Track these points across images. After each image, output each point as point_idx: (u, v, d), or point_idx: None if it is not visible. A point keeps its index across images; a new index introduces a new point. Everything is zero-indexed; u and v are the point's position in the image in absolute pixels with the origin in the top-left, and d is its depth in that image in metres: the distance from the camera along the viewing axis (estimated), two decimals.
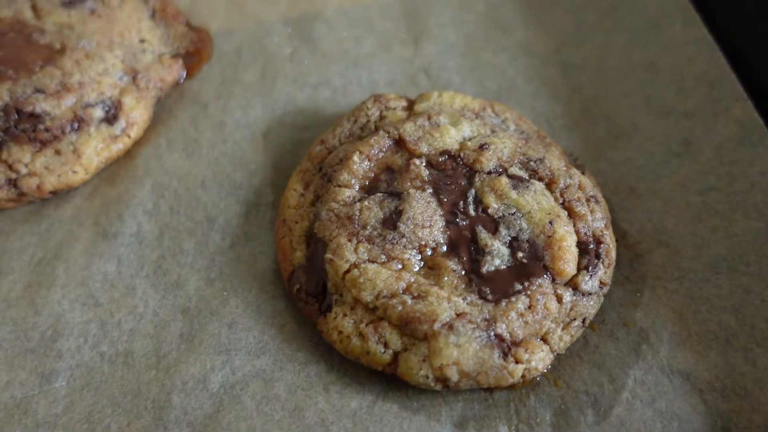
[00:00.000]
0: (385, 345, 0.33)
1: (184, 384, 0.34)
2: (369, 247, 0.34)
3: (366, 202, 0.36)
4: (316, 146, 0.41)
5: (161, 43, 0.48)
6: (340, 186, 0.37)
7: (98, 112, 0.42)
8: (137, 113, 0.44)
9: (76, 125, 0.42)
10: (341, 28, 0.49)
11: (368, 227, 0.35)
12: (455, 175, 0.37)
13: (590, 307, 0.34)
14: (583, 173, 0.38)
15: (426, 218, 0.35)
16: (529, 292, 0.33)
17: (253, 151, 0.43)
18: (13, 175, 0.41)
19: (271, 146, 0.43)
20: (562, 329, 0.33)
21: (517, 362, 0.32)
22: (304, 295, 0.36)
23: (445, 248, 0.34)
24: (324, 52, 0.47)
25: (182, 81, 0.47)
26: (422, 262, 0.34)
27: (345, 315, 0.34)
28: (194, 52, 0.48)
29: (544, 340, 0.33)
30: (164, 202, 0.41)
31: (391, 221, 0.35)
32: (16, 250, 0.40)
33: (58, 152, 0.41)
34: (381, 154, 0.38)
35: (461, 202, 0.36)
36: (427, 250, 0.34)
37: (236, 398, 0.34)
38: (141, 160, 0.43)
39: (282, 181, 0.42)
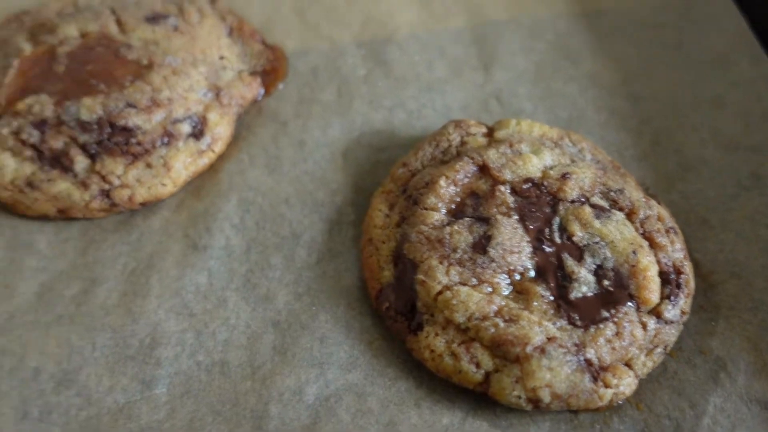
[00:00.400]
0: (477, 365, 0.35)
1: (280, 395, 0.36)
2: (460, 270, 0.36)
3: (455, 226, 0.37)
4: (398, 168, 0.42)
5: (239, 60, 0.49)
6: (426, 209, 0.39)
7: (186, 128, 0.44)
8: (221, 129, 0.45)
9: (165, 140, 0.43)
10: (413, 52, 0.50)
11: (458, 251, 0.37)
12: (539, 203, 0.38)
13: (672, 334, 0.36)
14: (658, 204, 0.40)
15: (514, 244, 0.37)
16: (616, 320, 0.35)
17: (333, 171, 0.45)
18: (107, 187, 0.42)
19: (350, 166, 0.45)
20: (646, 355, 0.35)
21: (606, 386, 0.34)
22: (393, 313, 0.37)
23: (532, 273, 0.36)
24: (397, 76, 0.49)
25: (260, 98, 0.48)
26: (511, 287, 0.36)
27: (437, 334, 0.36)
28: (271, 71, 0.50)
29: (628, 365, 0.35)
30: (250, 217, 0.43)
31: (481, 246, 0.37)
32: (109, 259, 0.41)
33: (149, 165, 0.43)
34: (466, 180, 0.40)
35: (546, 230, 0.37)
36: (516, 275, 0.36)
37: (332, 411, 0.35)
38: (225, 175, 0.44)
39: (362, 200, 0.44)
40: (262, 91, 0.49)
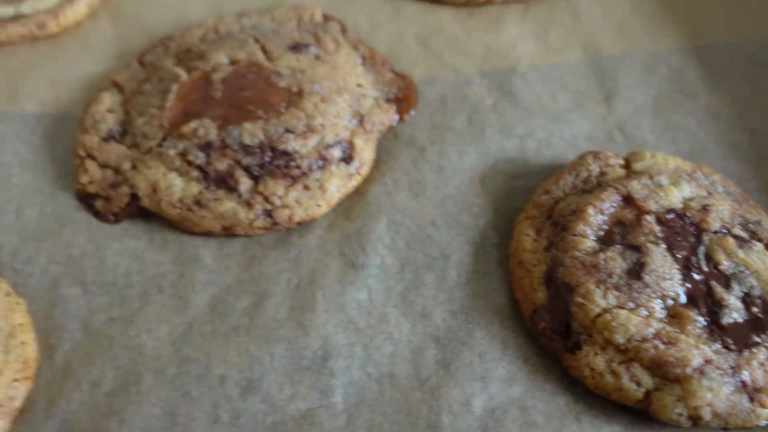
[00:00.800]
0: (638, 383, 0.38)
1: (449, 406, 0.39)
2: (617, 294, 0.39)
3: (609, 253, 0.40)
4: (540, 195, 0.45)
5: (373, 88, 0.53)
6: (576, 236, 0.42)
7: (337, 152, 0.47)
8: (366, 154, 0.48)
9: (320, 163, 0.46)
10: (536, 84, 0.54)
11: (614, 276, 0.40)
12: (684, 233, 0.41)
13: None
14: None
15: (666, 271, 0.40)
16: (767, 344, 0.38)
17: (474, 195, 0.48)
18: (269, 207, 0.45)
19: (488, 192, 0.48)
20: None
21: (762, 407, 0.36)
22: (549, 332, 0.40)
23: (683, 299, 0.39)
24: (524, 105, 0.52)
25: (395, 124, 0.51)
26: (665, 311, 0.39)
27: (596, 354, 0.39)
28: (402, 98, 0.53)
29: None
30: (400, 238, 0.46)
31: (635, 272, 0.40)
32: (272, 275, 0.44)
33: (306, 187, 0.46)
34: (612, 209, 0.43)
35: (693, 258, 0.40)
36: (668, 300, 0.39)
37: (499, 422, 0.38)
38: (372, 198, 0.47)
39: (502, 224, 0.47)
40: (396, 117, 0.52)
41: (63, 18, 0.57)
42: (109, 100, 0.50)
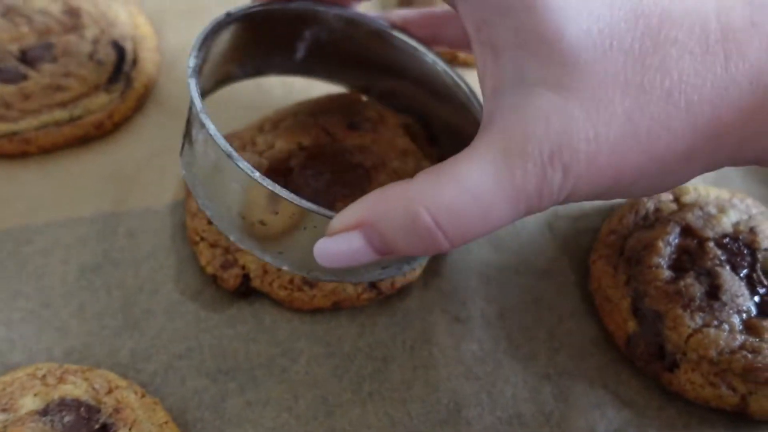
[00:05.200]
0: (734, 390, 0.44)
1: None
2: (702, 315, 0.45)
3: (687, 280, 0.47)
4: (609, 236, 0.51)
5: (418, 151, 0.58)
6: (651, 267, 0.48)
7: None
8: None
9: None
10: None
11: (696, 299, 0.46)
12: (740, 254, 0.48)
13: None
14: None
15: (737, 289, 0.46)
16: None
17: (545, 241, 0.53)
18: None
19: (556, 236, 0.53)
20: None
21: None
22: (646, 356, 0.46)
23: (755, 312, 0.46)
24: None
25: None
26: (742, 325, 0.45)
27: (693, 369, 0.45)
28: None
29: None
30: (492, 289, 0.50)
31: (713, 293, 0.46)
32: (388, 340, 0.48)
33: None
34: (676, 240, 0.49)
35: (754, 275, 0.47)
36: (743, 314, 0.46)
37: None
38: (456, 255, 0.52)
39: (576, 264, 0.52)
40: None
41: (117, 115, 0.59)
42: None
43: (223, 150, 0.38)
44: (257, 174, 0.37)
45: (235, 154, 0.38)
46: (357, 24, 0.52)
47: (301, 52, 0.55)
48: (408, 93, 0.56)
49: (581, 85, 0.30)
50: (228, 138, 0.57)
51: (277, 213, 0.38)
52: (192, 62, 0.42)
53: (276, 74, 0.56)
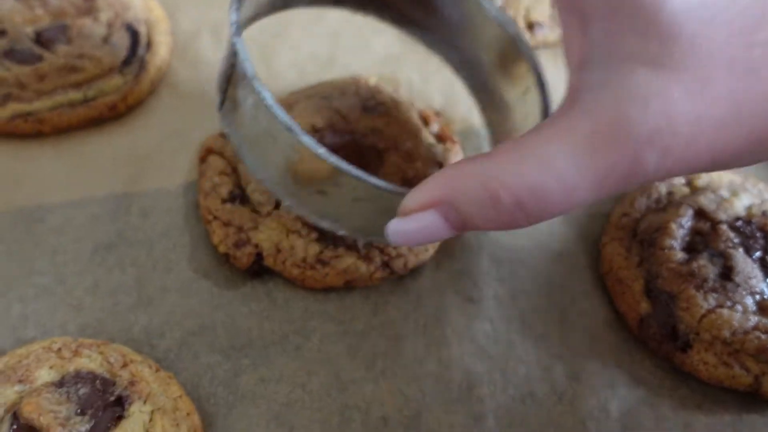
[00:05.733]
0: (747, 370, 0.44)
1: (590, 413, 0.44)
2: (715, 296, 0.45)
3: (701, 261, 0.47)
4: (621, 218, 0.51)
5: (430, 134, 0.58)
6: (664, 249, 0.48)
7: None
8: None
9: None
10: None
11: (709, 281, 0.46)
12: (753, 237, 0.48)
13: None
14: None
15: (749, 271, 0.46)
16: None
17: (557, 224, 0.53)
18: (386, 258, 0.49)
19: (568, 219, 0.54)
20: None
21: None
22: (659, 337, 0.46)
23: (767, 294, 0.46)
24: None
25: None
26: (756, 306, 0.45)
27: (706, 350, 0.45)
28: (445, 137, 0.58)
29: None
30: (504, 270, 0.51)
31: (725, 275, 0.46)
32: (399, 318, 0.48)
33: None
34: (689, 223, 0.49)
35: (766, 257, 0.47)
36: (756, 296, 0.46)
37: (636, 421, 0.44)
38: (468, 237, 0.52)
39: (588, 246, 0.52)
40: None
41: (131, 98, 0.60)
42: (218, 164, 0.52)
43: (281, 123, 0.37)
44: (322, 150, 0.37)
45: (297, 128, 0.37)
46: None
47: None
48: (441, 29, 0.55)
49: (682, 63, 0.28)
50: None
51: (338, 186, 0.38)
52: (234, 17, 0.40)
53: (305, 5, 0.55)
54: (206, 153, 0.55)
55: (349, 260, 0.49)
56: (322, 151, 0.37)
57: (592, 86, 0.30)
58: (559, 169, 0.29)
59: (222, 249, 0.50)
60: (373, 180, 0.37)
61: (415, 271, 0.51)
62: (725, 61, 0.28)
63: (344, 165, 0.37)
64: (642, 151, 0.29)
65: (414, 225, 0.33)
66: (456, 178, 0.32)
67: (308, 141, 0.37)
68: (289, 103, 0.56)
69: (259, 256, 0.49)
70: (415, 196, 0.34)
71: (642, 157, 0.29)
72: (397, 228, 0.34)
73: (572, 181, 0.29)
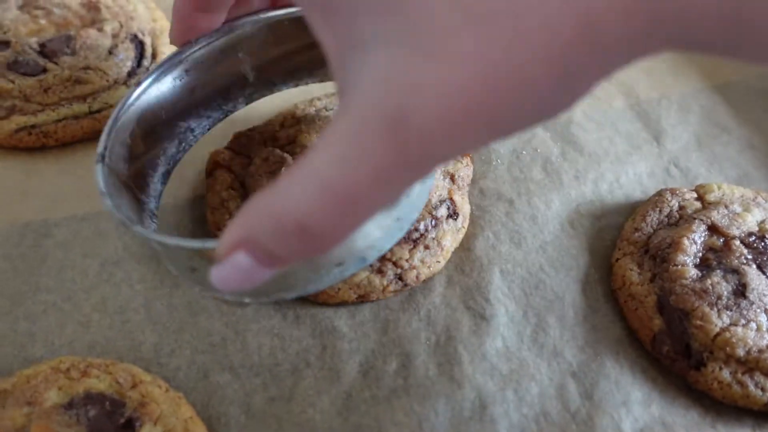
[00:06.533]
0: (762, 389, 0.43)
1: None
2: (729, 313, 0.45)
3: (714, 278, 0.46)
4: (632, 233, 0.51)
5: None
6: (677, 266, 0.48)
7: (443, 210, 0.51)
8: (465, 208, 0.53)
9: (433, 222, 0.50)
10: (593, 131, 0.60)
11: (723, 298, 0.46)
12: (766, 252, 0.48)
13: None
14: None
15: (763, 288, 0.46)
16: None
17: (568, 238, 0.53)
18: (399, 271, 0.49)
19: (579, 233, 0.53)
20: None
21: None
22: (672, 354, 0.46)
23: None
24: (588, 152, 0.58)
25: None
26: None
27: (721, 368, 0.44)
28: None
29: None
30: (515, 286, 0.50)
31: (740, 292, 0.46)
32: (411, 336, 0.47)
33: (426, 247, 0.50)
34: (701, 238, 0.49)
35: None
36: None
37: None
38: (479, 251, 0.52)
39: (599, 261, 0.52)
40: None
41: None
42: (226, 179, 0.52)
43: (121, 223, 0.38)
44: (137, 228, 0.38)
45: (127, 222, 0.38)
46: (274, 22, 0.50)
47: (249, 75, 0.53)
48: None
49: (417, 31, 0.26)
50: (249, 133, 0.57)
51: (177, 259, 0.39)
52: (100, 148, 0.42)
53: (245, 105, 0.54)
54: (213, 166, 0.54)
55: (362, 274, 0.48)
56: (137, 229, 0.38)
57: (348, 81, 0.29)
58: (331, 179, 0.27)
59: None
60: (188, 243, 0.37)
61: (425, 287, 0.50)
62: (460, 18, 0.26)
63: (162, 238, 0.37)
64: (401, 134, 0.26)
65: (229, 269, 0.31)
66: (252, 214, 0.31)
67: (138, 230, 0.38)
68: (297, 116, 0.56)
69: None
70: (224, 240, 0.31)
71: (404, 140, 0.26)
72: (216, 275, 0.32)
73: (346, 188, 0.27)
